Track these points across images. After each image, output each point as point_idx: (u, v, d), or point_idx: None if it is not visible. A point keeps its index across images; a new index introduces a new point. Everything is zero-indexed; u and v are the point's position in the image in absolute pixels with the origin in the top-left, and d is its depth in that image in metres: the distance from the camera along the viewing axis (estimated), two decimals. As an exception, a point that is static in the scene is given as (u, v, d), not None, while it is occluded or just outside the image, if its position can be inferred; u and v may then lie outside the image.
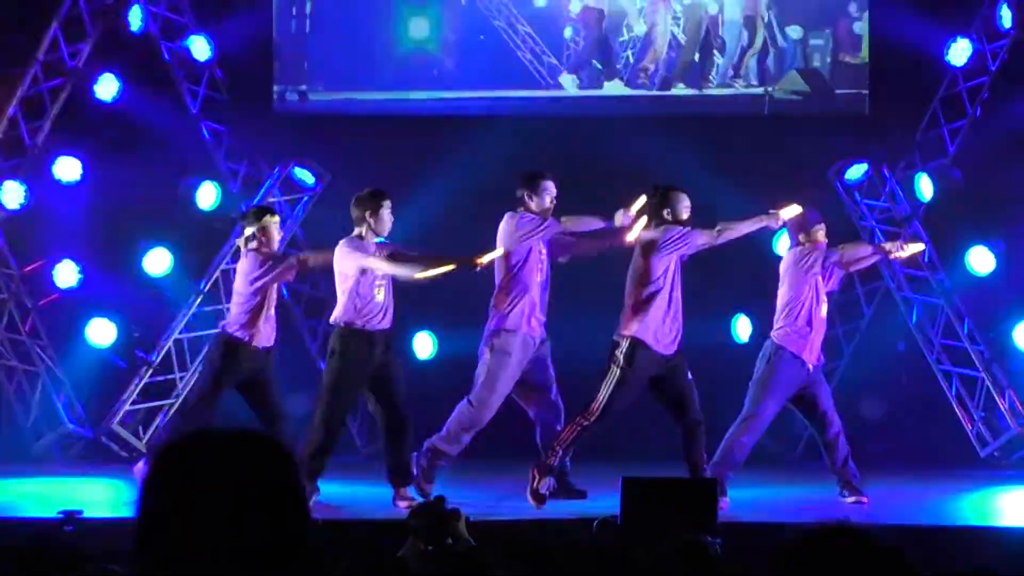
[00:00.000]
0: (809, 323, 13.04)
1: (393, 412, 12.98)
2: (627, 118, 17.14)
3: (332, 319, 13.00)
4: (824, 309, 13.21)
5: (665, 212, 12.92)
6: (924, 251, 14.96)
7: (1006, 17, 16.35)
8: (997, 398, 16.03)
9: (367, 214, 12.86)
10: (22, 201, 15.99)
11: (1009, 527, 12.25)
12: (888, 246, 14.23)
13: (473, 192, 15.62)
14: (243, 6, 17.48)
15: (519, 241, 13.05)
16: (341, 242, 12.95)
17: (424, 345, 16.57)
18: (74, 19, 16.87)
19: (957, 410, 16.22)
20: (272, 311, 13.29)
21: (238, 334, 13.06)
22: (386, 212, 12.97)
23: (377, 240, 12.95)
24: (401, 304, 13.94)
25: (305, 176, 16.83)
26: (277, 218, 13.49)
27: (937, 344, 16.40)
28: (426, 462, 12.93)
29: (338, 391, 12.81)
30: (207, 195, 16.50)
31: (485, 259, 13.07)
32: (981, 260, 16.06)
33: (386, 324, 12.94)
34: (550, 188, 13.24)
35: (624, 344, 12.81)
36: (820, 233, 13.19)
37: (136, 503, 3.30)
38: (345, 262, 12.81)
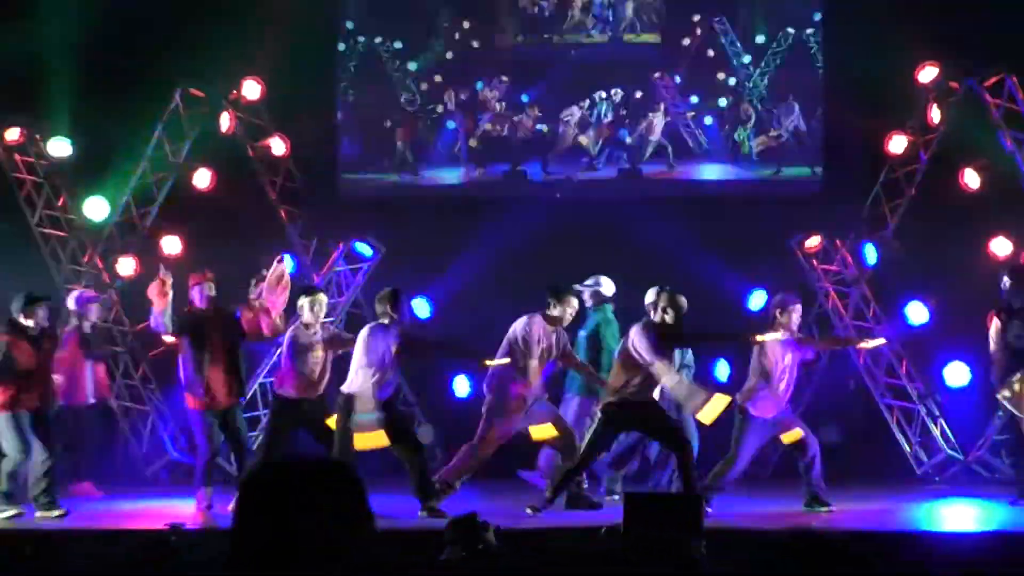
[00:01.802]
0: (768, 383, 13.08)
1: (407, 452, 12.98)
2: (614, 199, 17.22)
3: (346, 387, 12.93)
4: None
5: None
6: (882, 342, 14.97)
7: (935, 114, 16.37)
8: (931, 426, 16.05)
9: (388, 308, 12.91)
10: (135, 272, 16.04)
11: (941, 532, 12.20)
12: (859, 345, 14.44)
13: (506, 262, 15.66)
14: (313, 111, 17.58)
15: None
16: (369, 327, 13.02)
17: (462, 386, 16.56)
18: (175, 123, 17.00)
19: (898, 436, 16.24)
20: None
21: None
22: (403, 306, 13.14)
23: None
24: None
25: (364, 249, 16.88)
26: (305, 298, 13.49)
27: (881, 382, 16.41)
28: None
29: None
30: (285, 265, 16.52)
31: (492, 363, 13.13)
32: (917, 313, 16.07)
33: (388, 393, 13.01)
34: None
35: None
36: (795, 314, 13.12)
37: (233, 518, 3.27)
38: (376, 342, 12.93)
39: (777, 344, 12.97)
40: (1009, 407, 13.66)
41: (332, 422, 12.88)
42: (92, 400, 15.04)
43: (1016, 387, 13.57)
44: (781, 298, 13.21)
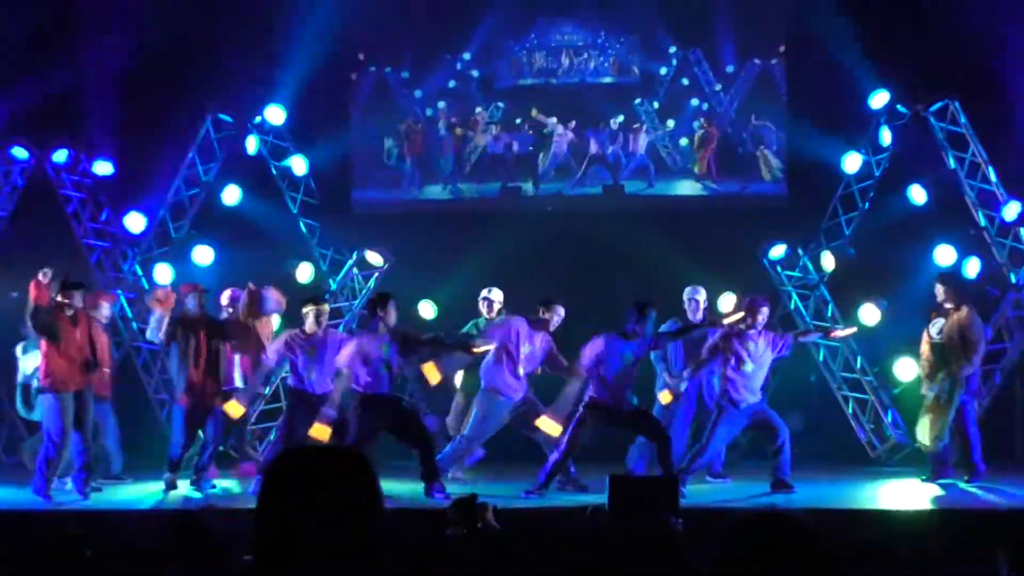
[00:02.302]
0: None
1: (416, 441, 12.91)
2: (603, 213, 17.26)
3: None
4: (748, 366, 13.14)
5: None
6: (853, 331, 14.92)
7: (886, 136, 16.43)
8: (882, 415, 16.06)
9: (377, 311, 12.84)
10: (171, 279, 16.05)
11: (891, 509, 12.24)
12: (832, 333, 14.44)
13: (502, 270, 15.65)
14: (329, 133, 17.63)
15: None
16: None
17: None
18: (207, 145, 17.03)
19: (853, 424, 16.26)
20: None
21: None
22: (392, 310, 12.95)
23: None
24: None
25: (375, 259, 16.86)
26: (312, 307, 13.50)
27: (838, 376, 16.43)
28: None
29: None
30: (304, 273, 16.55)
31: (479, 349, 13.08)
32: (870, 314, 16.06)
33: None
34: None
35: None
36: (760, 315, 13.13)
37: (256, 501, 3.25)
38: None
39: (750, 337, 13.00)
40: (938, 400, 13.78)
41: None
42: (239, 385, 14.76)
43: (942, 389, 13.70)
44: (751, 299, 13.28)
